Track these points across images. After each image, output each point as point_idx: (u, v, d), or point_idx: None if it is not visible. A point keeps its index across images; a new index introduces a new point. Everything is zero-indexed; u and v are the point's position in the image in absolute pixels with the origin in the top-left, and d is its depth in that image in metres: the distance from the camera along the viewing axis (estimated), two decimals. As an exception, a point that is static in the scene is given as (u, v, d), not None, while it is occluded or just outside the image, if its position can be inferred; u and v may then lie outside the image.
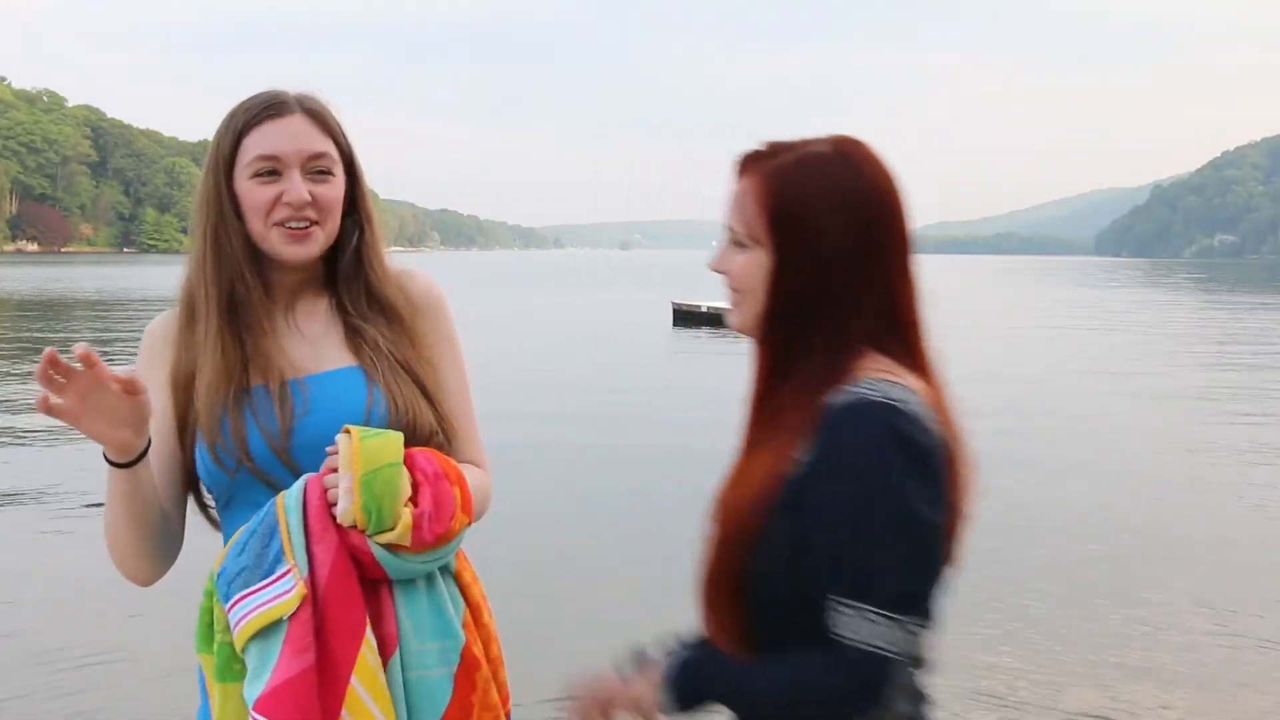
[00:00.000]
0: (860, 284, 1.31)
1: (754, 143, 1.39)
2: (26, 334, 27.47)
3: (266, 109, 1.66)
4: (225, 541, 1.65)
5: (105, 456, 1.57)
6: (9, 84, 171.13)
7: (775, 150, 1.36)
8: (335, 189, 1.68)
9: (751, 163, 1.37)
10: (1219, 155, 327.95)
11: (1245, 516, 9.11)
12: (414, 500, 1.56)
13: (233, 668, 1.55)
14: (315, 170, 1.66)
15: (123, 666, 5.74)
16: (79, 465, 10.07)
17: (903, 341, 1.34)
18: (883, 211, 1.33)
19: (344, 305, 1.74)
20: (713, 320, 32.13)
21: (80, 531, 8.13)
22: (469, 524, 1.63)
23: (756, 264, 1.35)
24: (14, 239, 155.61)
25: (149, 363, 1.72)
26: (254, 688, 1.51)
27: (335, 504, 1.54)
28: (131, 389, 1.49)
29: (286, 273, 1.72)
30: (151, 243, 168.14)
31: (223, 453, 1.62)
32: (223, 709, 1.56)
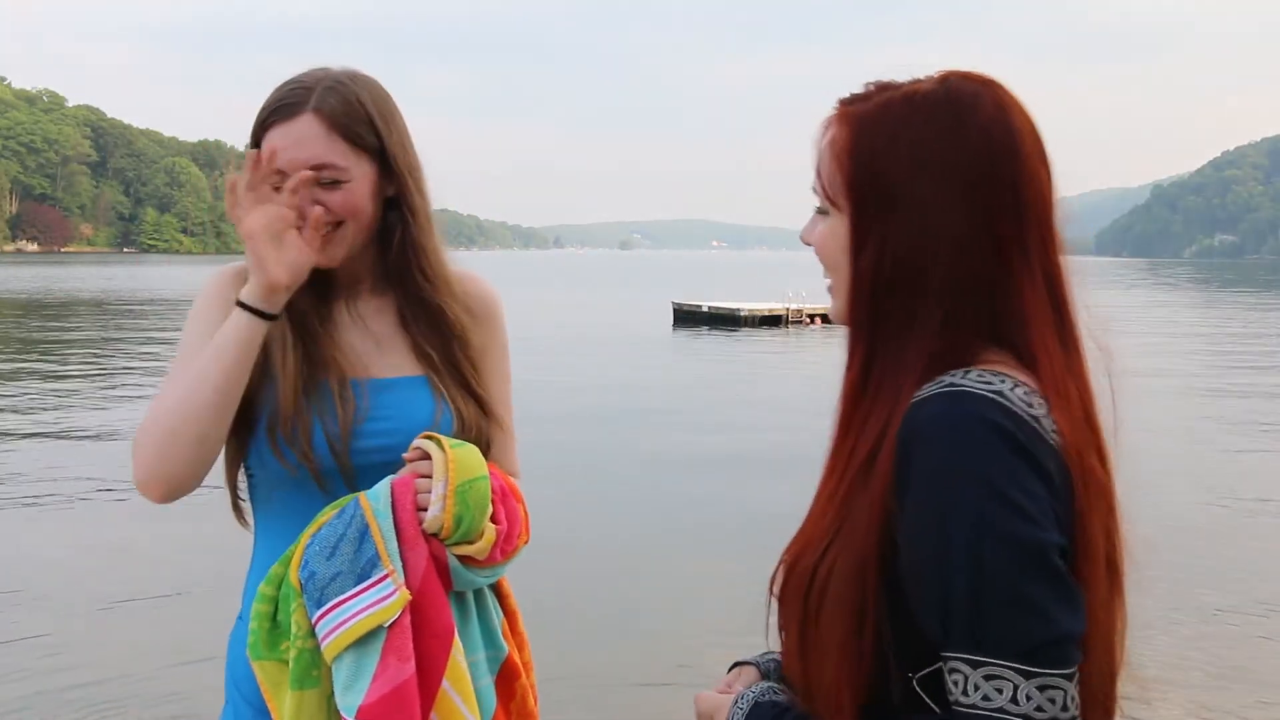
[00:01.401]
0: (960, 264, 1.03)
1: (859, 85, 1.12)
2: (38, 334, 27.44)
3: (276, 111, 1.58)
4: (259, 540, 1.63)
5: (241, 302, 1.52)
6: (9, 84, 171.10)
7: (874, 92, 1.09)
8: (349, 193, 1.59)
9: (842, 109, 1.10)
10: (1219, 155, 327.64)
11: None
12: (493, 517, 1.55)
13: (311, 674, 1.49)
14: (320, 181, 1.57)
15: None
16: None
17: (1021, 339, 1.05)
18: (994, 170, 1.04)
19: (404, 308, 1.67)
20: (713, 320, 32.20)
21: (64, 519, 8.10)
22: (526, 544, 1.64)
23: (833, 233, 1.10)
24: (14, 239, 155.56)
25: (204, 315, 1.62)
26: (351, 696, 1.45)
27: (425, 510, 1.50)
28: (314, 232, 1.52)
29: (342, 269, 1.65)
30: (151, 243, 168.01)
31: (285, 445, 1.55)
32: (295, 717, 1.49)
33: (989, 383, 0.99)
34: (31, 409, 14.68)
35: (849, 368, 1.11)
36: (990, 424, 0.97)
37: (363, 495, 1.53)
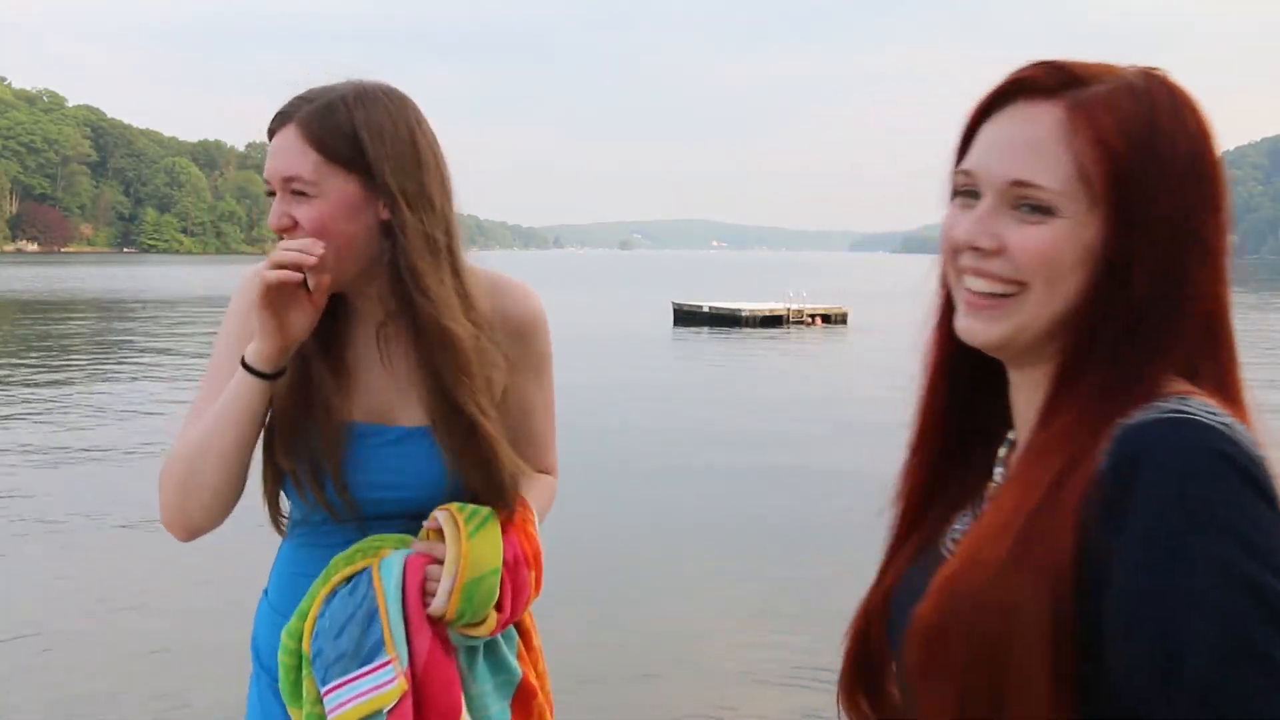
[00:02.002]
0: (1186, 279, 0.91)
1: (1029, 64, 0.94)
2: (44, 333, 27.44)
3: (274, 122, 1.56)
4: (287, 543, 1.67)
5: (245, 362, 1.52)
6: (9, 84, 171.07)
7: (1078, 75, 0.93)
8: (316, 208, 1.51)
9: (1049, 89, 0.93)
10: (1219, 155, 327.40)
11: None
12: (499, 604, 1.59)
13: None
14: (294, 191, 1.53)
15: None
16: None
17: (1215, 361, 0.93)
18: (1213, 182, 0.92)
19: (418, 342, 1.57)
20: (714, 320, 32.20)
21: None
22: (535, 598, 1.68)
23: (1070, 238, 0.90)
24: (14, 239, 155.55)
25: (237, 323, 1.63)
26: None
27: (432, 596, 1.55)
28: (319, 298, 1.50)
29: (373, 295, 1.60)
30: (151, 243, 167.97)
31: (304, 480, 1.57)
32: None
33: (1214, 413, 0.85)
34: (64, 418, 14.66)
35: (1052, 388, 0.94)
36: (1225, 456, 0.82)
37: (376, 571, 1.56)
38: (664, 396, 16.32)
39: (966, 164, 0.96)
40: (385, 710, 1.50)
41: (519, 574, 1.61)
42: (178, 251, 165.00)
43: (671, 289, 45.90)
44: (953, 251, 0.97)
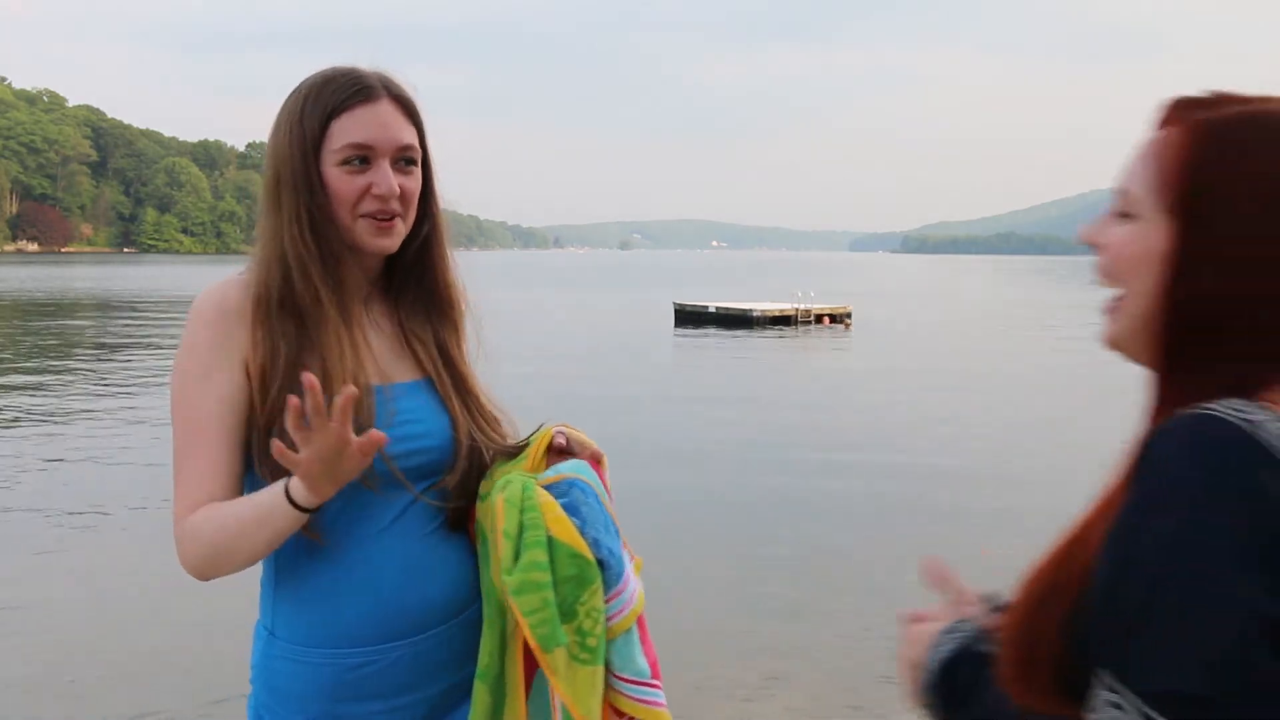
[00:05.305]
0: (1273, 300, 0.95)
1: (1192, 90, 1.03)
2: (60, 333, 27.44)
3: (356, 92, 1.59)
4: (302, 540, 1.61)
5: (289, 495, 1.46)
6: (9, 84, 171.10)
7: (1218, 100, 1.01)
8: (417, 181, 1.64)
9: (1180, 111, 1.02)
10: None
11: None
12: None
13: (600, 649, 1.53)
14: (403, 160, 1.61)
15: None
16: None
17: None
18: None
19: (402, 307, 1.70)
20: (717, 320, 32.16)
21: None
22: None
23: (1145, 240, 1.00)
24: (14, 239, 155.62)
25: (219, 340, 1.55)
26: (640, 661, 1.58)
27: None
28: (368, 450, 1.41)
29: (362, 264, 1.66)
30: (151, 242, 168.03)
31: None
32: (591, 692, 1.53)
33: (1244, 411, 0.90)
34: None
35: (1150, 398, 1.00)
36: (1215, 444, 0.88)
37: (579, 472, 1.61)
38: (666, 394, 16.30)
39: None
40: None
41: None
42: (178, 251, 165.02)
43: (671, 289, 45.86)
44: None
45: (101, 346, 23.80)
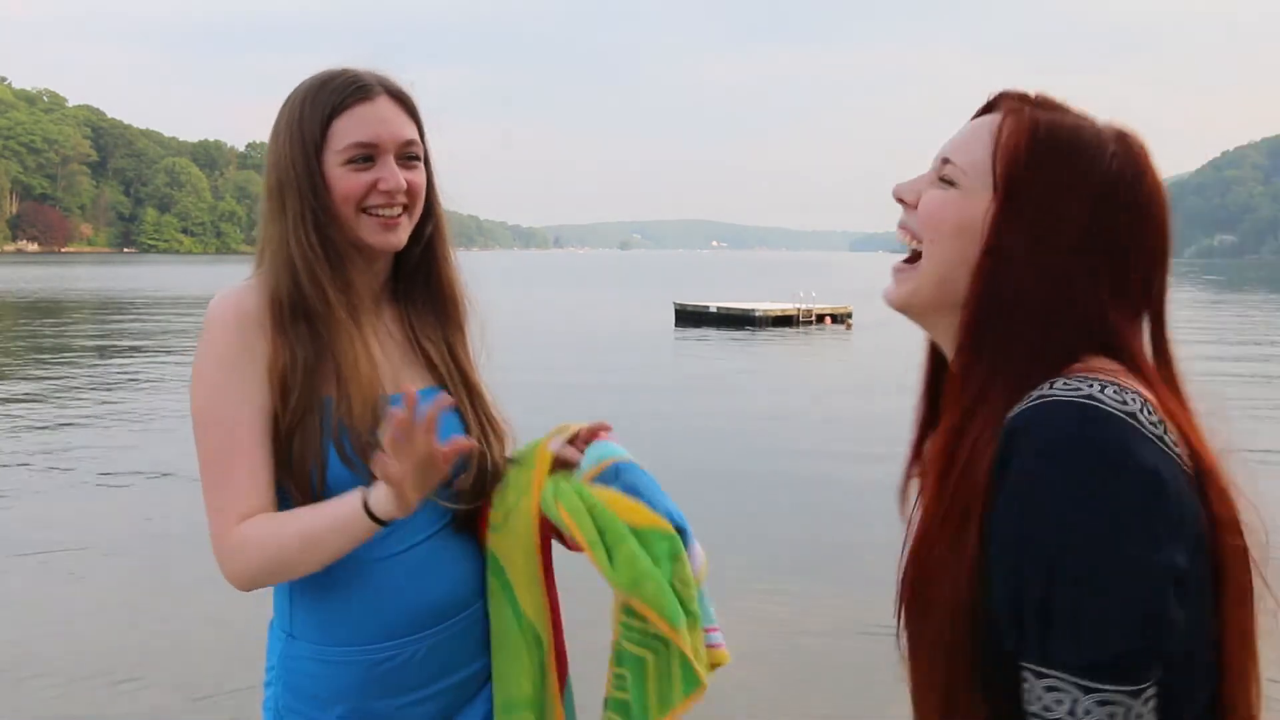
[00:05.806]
0: (1088, 275, 1.04)
1: (1025, 88, 1.14)
2: (58, 334, 27.42)
3: (354, 91, 1.58)
4: (369, 573, 1.60)
5: (367, 507, 1.46)
6: (9, 84, 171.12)
7: (1047, 103, 1.11)
8: (422, 176, 1.64)
9: (1015, 103, 1.11)
10: (1219, 155, 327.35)
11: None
12: None
13: (691, 610, 1.56)
14: (406, 156, 1.61)
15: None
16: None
17: (1127, 351, 1.05)
18: (1137, 209, 1.06)
19: (412, 312, 1.69)
20: (723, 321, 32.14)
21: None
22: None
23: (964, 208, 1.08)
24: (14, 239, 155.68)
25: (243, 348, 1.54)
26: (710, 610, 1.61)
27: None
28: (450, 458, 1.44)
29: (370, 267, 1.65)
30: (151, 242, 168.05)
31: (355, 456, 1.53)
32: (696, 648, 1.56)
33: (1075, 388, 0.98)
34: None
35: (955, 361, 1.08)
36: (1077, 426, 0.95)
37: (613, 454, 1.64)
38: (668, 394, 16.30)
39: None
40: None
41: None
42: (178, 251, 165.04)
43: (673, 289, 45.89)
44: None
45: (99, 348, 23.77)
